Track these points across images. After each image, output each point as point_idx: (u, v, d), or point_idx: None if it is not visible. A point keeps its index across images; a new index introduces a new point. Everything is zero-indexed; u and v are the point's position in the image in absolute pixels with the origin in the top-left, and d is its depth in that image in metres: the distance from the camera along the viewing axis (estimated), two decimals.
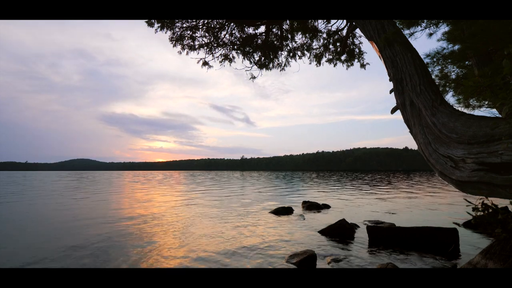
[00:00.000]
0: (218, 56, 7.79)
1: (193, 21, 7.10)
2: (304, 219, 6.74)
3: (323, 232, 5.21)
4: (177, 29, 7.14)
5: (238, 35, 7.74)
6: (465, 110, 5.69)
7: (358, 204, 9.65)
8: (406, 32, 4.20)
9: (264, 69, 8.24)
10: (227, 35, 7.64)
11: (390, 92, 3.93)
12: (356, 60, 8.19)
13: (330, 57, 8.25)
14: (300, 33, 7.77)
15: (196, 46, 7.50)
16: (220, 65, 7.86)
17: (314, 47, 8.17)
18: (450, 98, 5.97)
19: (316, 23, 7.57)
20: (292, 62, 8.45)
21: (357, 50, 8.13)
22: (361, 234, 5.08)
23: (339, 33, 7.79)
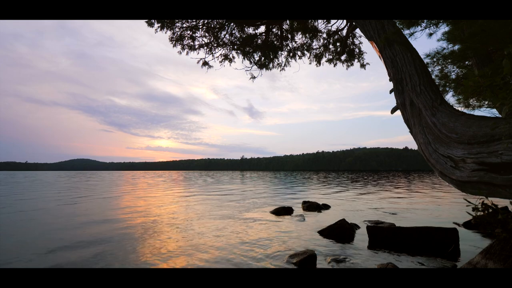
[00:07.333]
0: (218, 56, 7.80)
1: (193, 21, 7.10)
2: (304, 219, 6.74)
3: (323, 232, 5.21)
4: (177, 29, 7.14)
5: (238, 35, 7.75)
6: (465, 110, 5.70)
7: (358, 204, 9.65)
8: (406, 32, 4.20)
9: (264, 69, 8.25)
10: (227, 35, 7.65)
11: (390, 92, 3.94)
12: (356, 60, 8.20)
13: (330, 57, 8.26)
14: (300, 33, 7.78)
15: (196, 46, 7.51)
16: (220, 65, 7.87)
17: (314, 47, 8.18)
18: (450, 98, 5.99)
19: (316, 23, 7.57)
20: (292, 62, 8.46)
21: (357, 50, 8.14)
22: (361, 234, 5.08)
23: (339, 33, 7.79)
